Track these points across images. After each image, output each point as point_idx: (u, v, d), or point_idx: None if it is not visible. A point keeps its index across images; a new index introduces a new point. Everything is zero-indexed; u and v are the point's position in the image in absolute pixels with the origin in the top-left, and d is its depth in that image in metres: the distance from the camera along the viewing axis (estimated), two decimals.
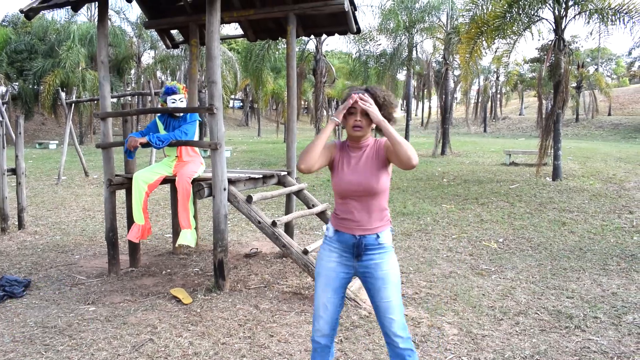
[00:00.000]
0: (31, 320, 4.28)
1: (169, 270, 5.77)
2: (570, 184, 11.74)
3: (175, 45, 7.16)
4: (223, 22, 6.22)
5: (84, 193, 11.99)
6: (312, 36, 11.58)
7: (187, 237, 5.06)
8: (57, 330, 4.03)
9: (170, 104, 5.34)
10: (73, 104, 14.78)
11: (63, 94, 14.90)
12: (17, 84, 33.12)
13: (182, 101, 5.42)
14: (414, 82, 33.77)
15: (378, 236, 2.61)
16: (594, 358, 3.56)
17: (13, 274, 5.55)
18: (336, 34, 6.61)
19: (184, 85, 5.85)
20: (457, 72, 24.82)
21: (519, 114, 53.85)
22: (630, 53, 63.67)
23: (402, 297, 4.76)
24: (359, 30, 6.23)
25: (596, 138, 35.80)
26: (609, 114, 45.34)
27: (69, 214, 9.39)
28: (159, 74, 36.26)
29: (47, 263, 6.14)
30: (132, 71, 37.61)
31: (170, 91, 5.37)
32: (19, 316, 4.38)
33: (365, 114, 2.56)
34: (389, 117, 2.64)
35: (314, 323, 2.73)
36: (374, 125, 2.63)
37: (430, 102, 28.30)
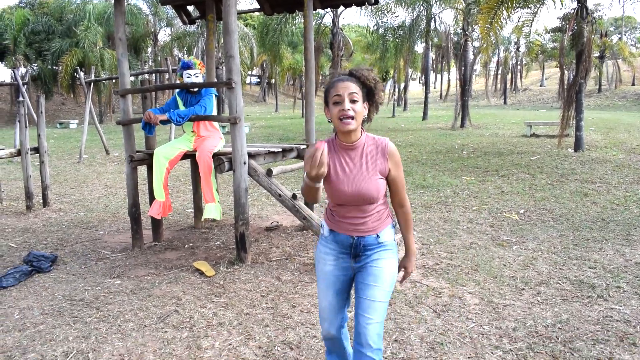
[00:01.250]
0: (59, 293, 4.39)
1: (191, 244, 5.86)
2: (593, 155, 11.57)
3: (192, 21, 7.14)
4: None
5: (105, 171, 12.14)
6: (329, 8, 11.48)
7: (211, 211, 5.12)
8: (85, 303, 4.13)
9: (185, 79, 5.36)
10: (92, 83, 14.89)
11: (82, 74, 15.00)
12: (35, 64, 33.40)
13: (197, 76, 5.42)
14: (432, 55, 33.33)
15: (378, 236, 2.35)
16: (616, 327, 3.54)
17: (40, 250, 5.68)
18: (353, 5, 6.52)
19: (201, 61, 5.84)
20: (476, 44, 24.42)
21: (540, 85, 52.90)
22: None
23: (419, 269, 4.79)
24: (376, 1, 6.15)
25: (619, 109, 35.09)
26: (633, 84, 44.30)
27: (92, 192, 9.53)
28: (175, 51, 36.23)
29: (72, 239, 6.26)
30: (149, 49, 37.69)
31: (186, 66, 5.38)
32: (47, 290, 4.49)
33: (354, 100, 2.18)
34: (378, 103, 2.35)
35: (321, 324, 2.56)
36: (366, 113, 2.29)
37: (449, 75, 27.90)
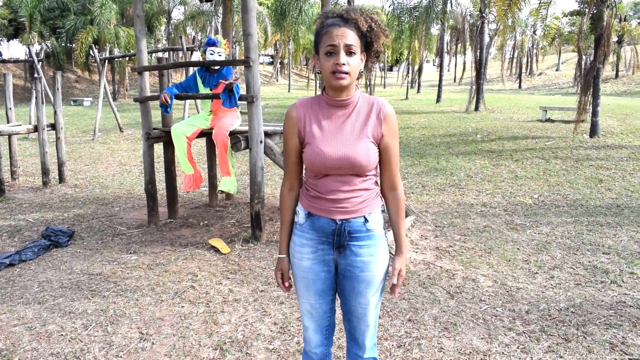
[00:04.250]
0: (77, 267, 4.46)
1: (206, 222, 5.91)
2: (608, 141, 11.45)
3: (208, 0, 7.13)
4: None
5: (119, 148, 12.22)
6: None
7: (227, 184, 5.18)
8: (102, 277, 4.20)
9: (208, 56, 5.34)
10: (106, 61, 14.90)
11: (96, 51, 15.02)
12: (49, 42, 33.46)
13: (220, 55, 5.37)
14: (447, 37, 32.95)
15: (366, 220, 1.94)
16: (629, 312, 3.55)
17: (57, 225, 5.76)
18: None
19: (227, 40, 5.76)
20: (492, 26, 24.14)
21: (556, 70, 52.20)
22: None
23: (433, 251, 4.80)
24: None
25: (636, 95, 34.57)
26: None
27: (107, 169, 9.62)
28: (189, 30, 36.13)
29: (88, 215, 6.34)
30: (162, 28, 37.58)
31: (212, 43, 5.34)
32: (65, 264, 4.57)
33: (351, 52, 1.82)
34: (378, 51, 1.95)
35: (304, 333, 2.17)
36: (362, 66, 1.92)
37: (464, 57, 27.60)
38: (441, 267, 4.39)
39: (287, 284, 2.14)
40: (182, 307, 3.62)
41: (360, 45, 1.87)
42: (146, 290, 3.92)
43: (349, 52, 1.82)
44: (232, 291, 3.87)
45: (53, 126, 8.38)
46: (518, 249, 4.91)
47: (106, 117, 17.57)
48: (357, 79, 1.92)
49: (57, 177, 8.40)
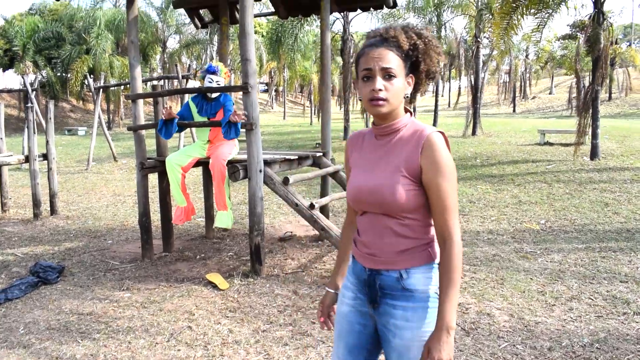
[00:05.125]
0: (66, 307, 4.20)
1: (203, 255, 5.66)
2: (610, 164, 11.31)
3: (205, 25, 6.98)
4: None
5: (113, 178, 12.00)
6: (344, 12, 11.34)
7: (223, 220, 4.95)
8: (93, 318, 3.94)
9: (206, 83, 5.13)
10: (101, 90, 14.78)
11: (91, 80, 14.91)
12: (44, 71, 33.46)
13: (219, 84, 5.16)
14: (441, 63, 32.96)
15: (401, 276, 1.60)
16: None
17: (47, 260, 5.50)
18: (371, 9, 6.35)
19: (228, 69, 5.52)
20: (485, 51, 24.24)
21: (549, 93, 52.55)
22: None
23: None
24: (395, 4, 5.97)
25: (630, 117, 34.70)
26: None
27: (100, 199, 9.38)
28: (184, 58, 36.24)
29: (80, 248, 6.08)
30: (157, 57, 37.68)
31: (212, 70, 5.12)
32: (53, 302, 4.30)
33: (390, 75, 1.57)
34: (430, 71, 1.66)
35: None
36: (408, 92, 1.65)
37: (460, 82, 27.69)
38: None
39: (322, 319, 1.90)
40: (179, 350, 3.36)
41: (404, 66, 1.61)
42: (139, 331, 3.66)
43: (388, 76, 1.57)
44: (231, 331, 3.61)
45: (45, 156, 8.16)
46: (531, 278, 4.67)
47: (100, 147, 17.38)
48: (411, 102, 1.71)
49: (49, 209, 8.15)
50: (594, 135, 12.03)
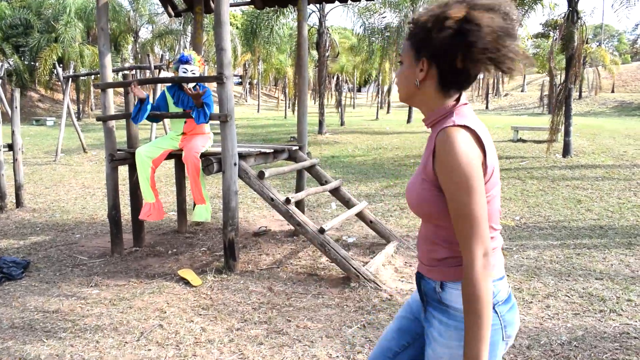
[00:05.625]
0: (31, 304, 4.02)
1: (175, 250, 5.51)
2: (582, 161, 11.46)
3: (178, 14, 6.79)
4: None
5: (82, 170, 11.69)
6: (320, 3, 11.22)
7: (202, 213, 4.85)
8: (59, 316, 3.78)
9: (181, 74, 4.97)
10: (70, 80, 14.38)
11: (60, 69, 14.50)
12: (11, 59, 32.54)
13: (194, 73, 5.02)
14: None
15: (441, 287, 1.46)
16: (635, 345, 3.31)
17: (11, 255, 5.29)
18: (349, 1, 6.25)
19: (201, 57, 5.37)
20: None
21: (521, 91, 53.26)
22: (636, 28, 63.07)
23: None
24: None
25: (599, 115, 35.38)
26: (612, 91, 44.79)
27: (68, 192, 9.11)
28: (157, 49, 35.61)
29: (46, 243, 5.87)
30: (130, 47, 36.98)
31: (185, 60, 4.97)
32: (17, 300, 4.12)
33: (400, 62, 1.48)
34: (436, 49, 1.36)
35: None
36: (420, 77, 1.42)
37: None
38: None
39: None
40: (149, 350, 3.22)
41: (411, 50, 1.43)
42: (108, 330, 3.51)
43: (400, 62, 1.48)
44: (204, 330, 3.49)
45: (10, 146, 7.88)
46: (508, 275, 4.65)
47: (69, 138, 16.96)
48: (446, 95, 1.44)
49: (14, 201, 7.87)
50: (567, 133, 12.17)
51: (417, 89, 1.45)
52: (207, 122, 4.80)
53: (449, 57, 1.35)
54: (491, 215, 1.42)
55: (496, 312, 1.41)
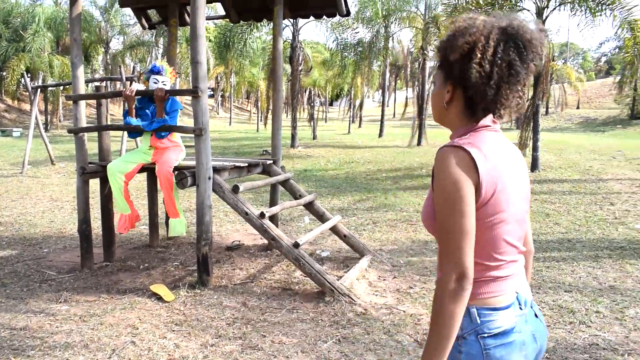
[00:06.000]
0: None
1: (146, 265, 5.43)
2: (549, 176, 11.71)
3: (152, 26, 6.75)
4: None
5: (50, 182, 11.46)
6: (296, 19, 11.27)
7: (177, 228, 4.82)
8: (27, 333, 3.68)
9: (152, 84, 4.93)
10: (38, 90, 14.12)
11: (28, 79, 14.23)
12: None
13: (165, 84, 4.98)
14: (387, 73, 33.63)
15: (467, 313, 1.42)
16: (605, 355, 3.39)
17: None
18: (324, 16, 6.31)
19: (173, 68, 5.35)
20: (431, 64, 24.79)
21: None
22: (600, 47, 65.03)
23: (394, 293, 4.55)
24: (348, 13, 5.93)
25: (565, 131, 36.25)
26: (577, 107, 45.99)
27: (36, 205, 8.91)
28: (128, 60, 35.27)
29: (13, 257, 5.73)
30: (100, 58, 36.54)
31: (156, 70, 4.93)
32: None
33: (433, 82, 1.49)
34: (472, 76, 1.36)
35: None
36: (447, 97, 1.46)
37: (407, 93, 28.16)
38: (404, 311, 4.12)
39: None
40: None
41: (441, 73, 1.47)
42: (78, 347, 3.44)
43: (433, 83, 1.52)
44: (178, 346, 3.44)
45: None
46: None
47: (37, 149, 16.61)
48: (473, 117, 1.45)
49: None
50: (535, 148, 12.44)
51: (445, 110, 1.48)
52: (165, 137, 4.84)
53: (462, 77, 1.39)
54: (492, 242, 1.38)
55: (479, 342, 1.35)
